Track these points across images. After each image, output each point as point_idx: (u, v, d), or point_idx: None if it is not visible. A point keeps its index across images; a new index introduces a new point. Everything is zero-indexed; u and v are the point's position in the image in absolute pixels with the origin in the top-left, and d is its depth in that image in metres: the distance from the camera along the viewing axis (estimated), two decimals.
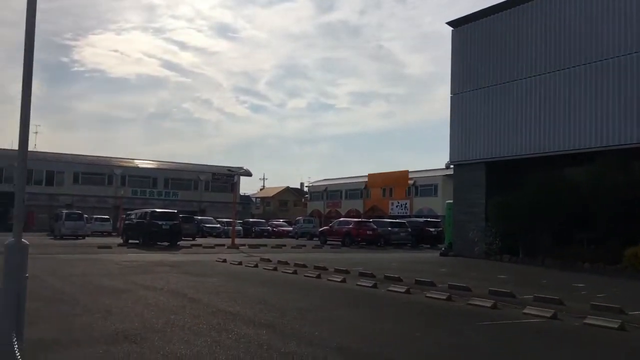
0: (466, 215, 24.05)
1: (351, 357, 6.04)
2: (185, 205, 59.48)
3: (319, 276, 14.38)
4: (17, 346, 3.75)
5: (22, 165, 4.14)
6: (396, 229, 35.47)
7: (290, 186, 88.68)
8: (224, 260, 19.09)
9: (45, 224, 55.44)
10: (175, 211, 29.45)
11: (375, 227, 34.94)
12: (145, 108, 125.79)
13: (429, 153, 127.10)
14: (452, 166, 26.56)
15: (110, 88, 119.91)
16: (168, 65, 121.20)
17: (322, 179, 78.09)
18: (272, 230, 48.87)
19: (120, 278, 13.32)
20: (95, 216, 46.17)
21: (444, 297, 10.82)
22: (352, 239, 33.42)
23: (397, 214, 56.44)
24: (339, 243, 33.76)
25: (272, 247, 28.94)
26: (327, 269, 15.86)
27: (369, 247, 32.34)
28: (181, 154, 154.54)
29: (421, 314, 9.28)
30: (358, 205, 65.01)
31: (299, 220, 51.33)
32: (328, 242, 34.82)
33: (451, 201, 26.40)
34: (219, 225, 46.04)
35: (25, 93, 4.11)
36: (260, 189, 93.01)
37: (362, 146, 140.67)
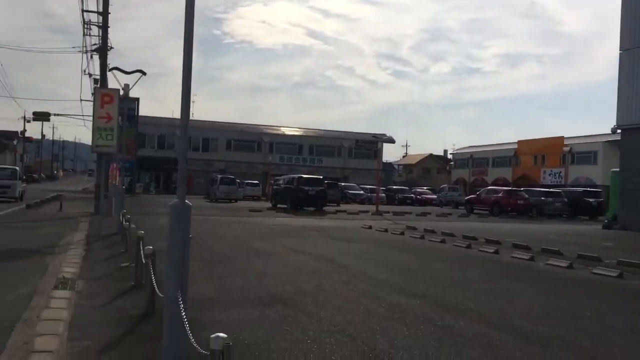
0: (636, 185, 21.65)
1: (517, 337, 5.53)
2: (329, 171, 60.61)
3: (469, 246, 13.75)
4: (182, 305, 3.80)
5: (184, 133, 4.17)
6: (550, 199, 33.22)
7: (433, 153, 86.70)
8: (370, 227, 19.05)
9: (202, 187, 59.55)
10: (321, 177, 30.05)
11: (526, 196, 32.96)
12: (290, 77, 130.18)
13: (587, 117, 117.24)
14: (619, 131, 23.99)
15: (258, 58, 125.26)
16: (312, 33, 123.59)
17: (466, 145, 75.37)
18: (416, 197, 48.24)
19: (271, 241, 13.75)
20: (246, 181, 48.65)
21: (614, 275, 9.75)
22: (501, 208, 31.84)
23: (549, 183, 52.87)
24: (487, 212, 32.36)
25: (417, 215, 28.47)
26: (477, 239, 15.15)
27: (519, 217, 30.60)
28: (324, 121, 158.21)
29: (589, 292, 8.39)
30: (506, 173, 61.89)
31: (443, 187, 50.10)
32: (475, 211, 33.53)
33: (617, 169, 23.95)
34: (362, 192, 46.35)
35: (186, 65, 4.11)
36: (403, 156, 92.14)
37: (511, 111, 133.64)
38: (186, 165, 4.21)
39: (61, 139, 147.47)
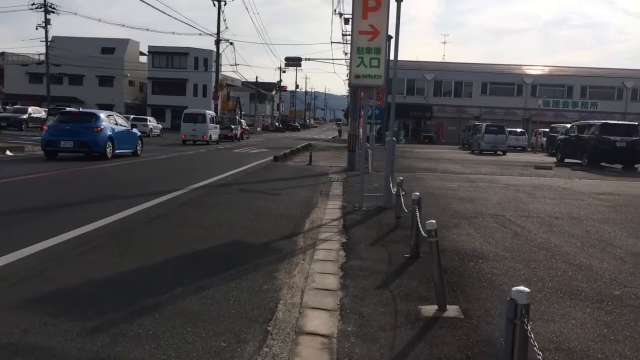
0: None
1: None
2: (605, 117, 50.14)
3: None
4: None
5: None
6: None
7: None
8: None
9: (452, 136, 54.79)
10: (636, 124, 22.11)
11: None
12: (540, 17, 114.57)
13: None
14: None
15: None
16: None
17: None
18: None
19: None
20: (508, 129, 41.83)
21: None
22: None
23: None
24: None
25: None
26: None
27: None
28: (578, 62, 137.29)
29: None
30: None
31: None
32: None
33: None
34: None
35: None
36: None
37: None
38: None
39: (312, 90, 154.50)
